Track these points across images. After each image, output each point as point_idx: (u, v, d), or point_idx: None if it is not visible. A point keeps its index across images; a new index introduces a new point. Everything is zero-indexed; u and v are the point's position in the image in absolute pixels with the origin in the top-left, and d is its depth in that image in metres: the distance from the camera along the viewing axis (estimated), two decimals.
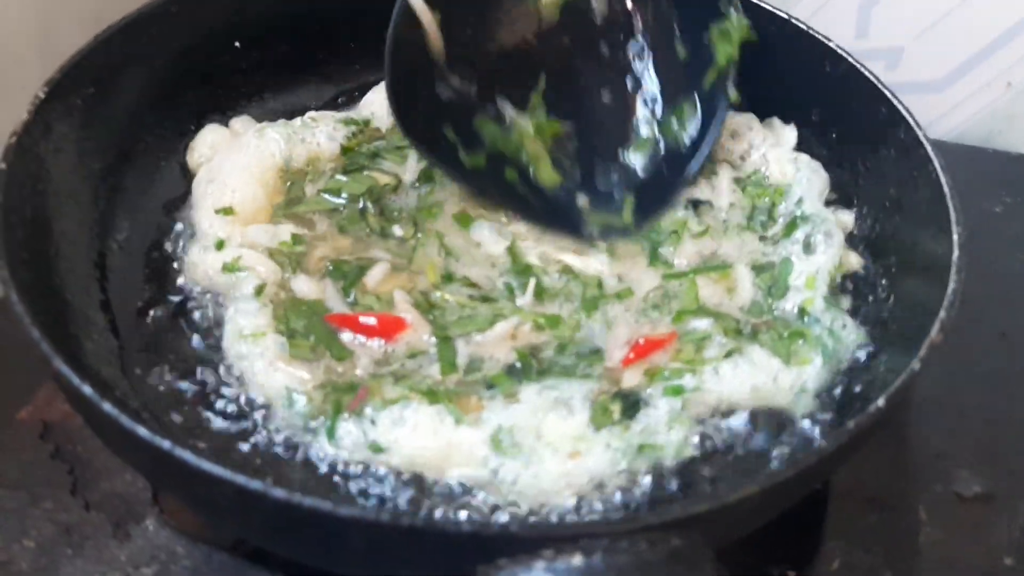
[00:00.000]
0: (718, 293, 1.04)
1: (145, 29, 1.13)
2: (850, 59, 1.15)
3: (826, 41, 1.17)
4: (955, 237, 0.93)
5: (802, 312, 1.02)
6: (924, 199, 1.02)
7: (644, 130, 1.14)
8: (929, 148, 1.02)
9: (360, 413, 0.88)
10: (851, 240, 1.11)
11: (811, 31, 1.19)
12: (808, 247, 1.06)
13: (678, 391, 0.92)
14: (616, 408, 0.90)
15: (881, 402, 0.80)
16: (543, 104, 1.12)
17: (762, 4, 1.22)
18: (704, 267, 1.06)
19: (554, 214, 1.09)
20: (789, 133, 1.19)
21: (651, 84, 1.16)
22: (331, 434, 0.88)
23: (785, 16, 1.21)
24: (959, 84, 1.50)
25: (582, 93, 1.16)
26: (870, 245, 1.11)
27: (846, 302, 1.06)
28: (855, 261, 1.08)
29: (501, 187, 1.09)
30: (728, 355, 0.95)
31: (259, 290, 0.98)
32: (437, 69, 1.08)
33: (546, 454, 0.86)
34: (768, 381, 0.94)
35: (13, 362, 0.99)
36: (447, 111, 1.08)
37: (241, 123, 1.19)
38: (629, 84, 1.17)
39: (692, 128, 1.13)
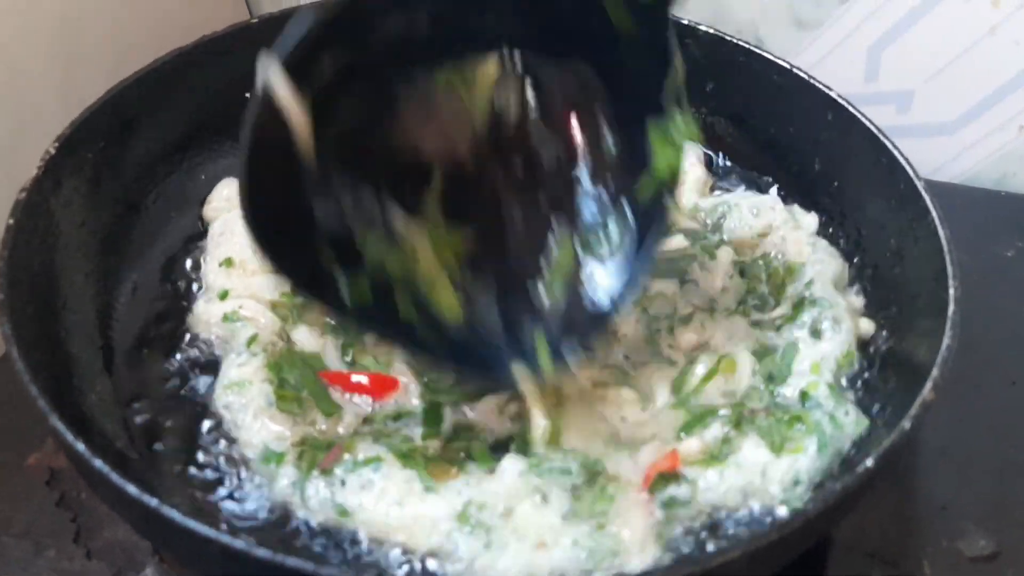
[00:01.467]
0: (716, 382, 1.01)
1: (157, 84, 1.16)
2: (850, 108, 1.14)
3: (827, 90, 1.17)
4: (951, 291, 0.92)
5: (803, 396, 0.98)
6: (923, 251, 1.01)
7: (562, 250, 0.96)
8: (928, 199, 1.02)
9: (330, 472, 0.89)
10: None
11: (812, 80, 1.19)
12: (816, 332, 1.03)
13: (673, 504, 0.90)
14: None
15: (870, 462, 0.79)
16: (439, 209, 0.93)
17: (764, 53, 1.23)
18: (709, 372, 1.01)
19: (463, 356, 0.92)
20: (810, 219, 1.18)
21: (572, 193, 0.97)
22: (301, 491, 0.89)
23: (787, 65, 1.21)
24: (970, 127, 1.49)
25: (490, 202, 0.96)
26: (871, 298, 1.10)
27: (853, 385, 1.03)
28: (866, 327, 1.06)
29: (395, 326, 0.91)
30: (729, 446, 0.93)
31: (251, 340, 0.99)
32: (308, 176, 0.86)
33: (511, 539, 0.85)
34: (756, 478, 0.91)
35: (25, 408, 1.01)
36: (322, 231, 0.88)
37: None
38: (546, 192, 0.98)
39: (623, 249, 0.95)
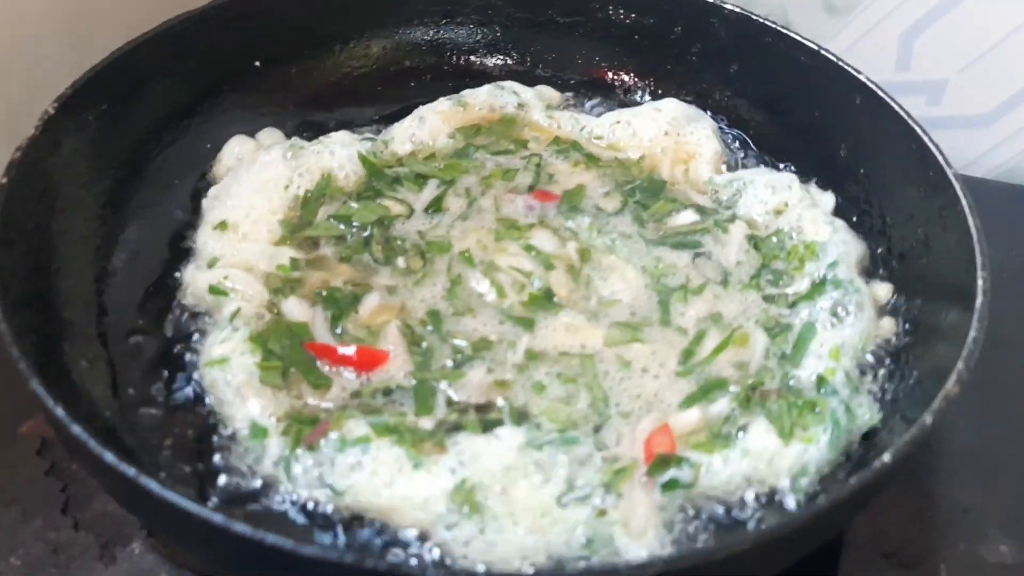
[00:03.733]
0: (726, 355, 0.98)
1: (164, 47, 1.14)
2: (880, 92, 1.10)
3: (856, 74, 1.13)
4: (979, 283, 0.88)
5: (820, 381, 0.95)
6: (952, 241, 0.97)
7: None
8: (958, 187, 0.98)
9: (316, 448, 0.86)
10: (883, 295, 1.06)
11: (841, 63, 1.15)
12: (837, 316, 1.00)
13: (675, 485, 0.87)
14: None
15: (887, 457, 0.75)
16: None
17: (792, 34, 1.19)
18: (721, 343, 0.99)
19: None
20: (827, 198, 1.14)
21: None
22: (287, 469, 0.86)
23: (815, 47, 1.17)
24: (1006, 120, 1.44)
25: None
26: (898, 288, 1.06)
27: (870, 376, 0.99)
28: (888, 327, 1.02)
29: None
30: (733, 425, 0.90)
31: (234, 315, 0.97)
32: None
33: (506, 523, 0.82)
34: (762, 466, 0.88)
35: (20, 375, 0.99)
36: None
37: (268, 135, 1.19)
38: None
39: None
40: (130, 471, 0.70)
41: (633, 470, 0.88)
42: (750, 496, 0.88)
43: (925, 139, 1.04)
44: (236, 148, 1.17)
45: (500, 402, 0.93)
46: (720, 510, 0.88)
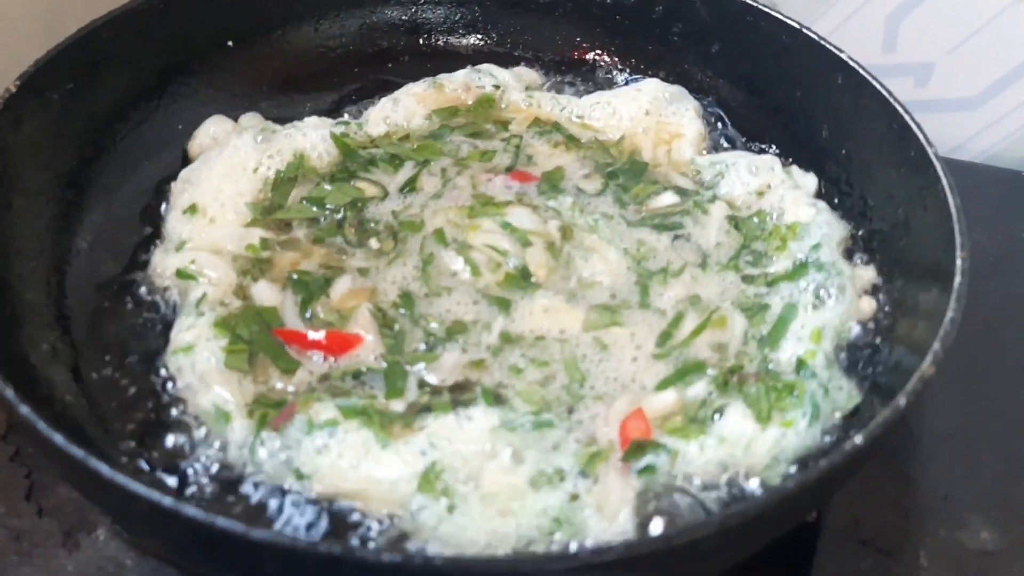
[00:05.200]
0: (704, 337, 0.97)
1: (132, 26, 1.12)
2: (862, 71, 1.08)
3: (838, 52, 1.11)
4: (958, 263, 0.86)
5: (800, 364, 0.93)
6: (932, 221, 0.95)
7: None
8: (939, 166, 0.96)
9: (282, 431, 0.84)
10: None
11: (823, 41, 1.13)
12: (818, 297, 0.99)
13: (651, 471, 0.85)
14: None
15: (859, 439, 0.73)
16: None
17: (773, 13, 1.18)
18: (699, 326, 0.97)
19: None
20: (810, 179, 1.13)
21: None
22: (252, 452, 0.84)
23: (796, 26, 1.15)
24: (994, 103, 1.42)
25: None
26: (878, 269, 1.04)
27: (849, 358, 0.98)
28: (868, 308, 1.01)
29: None
30: (708, 409, 0.89)
31: (200, 300, 0.95)
32: None
33: (476, 506, 0.81)
34: (739, 452, 0.86)
35: None
36: None
37: (248, 119, 1.17)
38: None
39: None
40: (79, 453, 0.68)
41: (609, 453, 0.86)
42: (724, 481, 0.86)
43: (907, 118, 1.02)
44: (212, 128, 1.15)
45: (475, 381, 0.91)
46: (694, 495, 0.86)
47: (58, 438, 0.69)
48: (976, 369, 1.08)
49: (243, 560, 0.68)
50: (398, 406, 0.88)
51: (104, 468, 0.68)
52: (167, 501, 0.65)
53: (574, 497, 0.82)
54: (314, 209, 1.07)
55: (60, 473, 0.82)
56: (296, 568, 0.67)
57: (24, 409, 0.71)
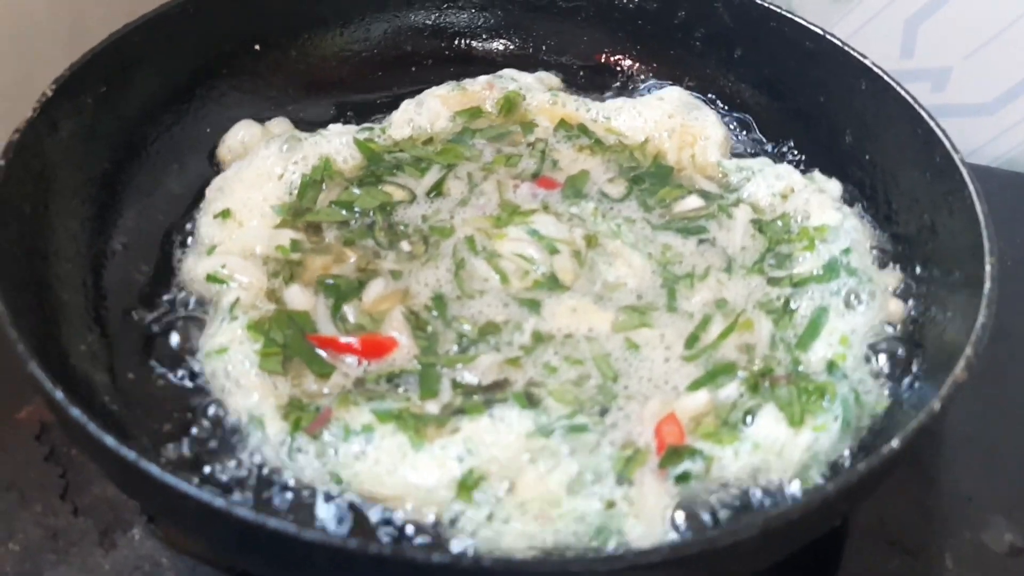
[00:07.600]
0: (732, 339, 0.97)
1: (163, 30, 1.12)
2: (885, 77, 1.09)
3: (861, 58, 1.12)
4: (987, 268, 0.87)
5: (830, 366, 0.94)
6: (958, 226, 0.96)
7: None
8: (965, 172, 0.97)
9: (319, 437, 0.85)
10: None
11: (846, 47, 1.13)
12: (848, 304, 0.99)
13: (687, 477, 0.86)
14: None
15: (896, 443, 0.74)
16: None
17: (796, 18, 1.18)
18: (726, 329, 0.98)
19: None
20: (833, 185, 1.13)
21: None
22: (290, 456, 0.85)
23: (819, 31, 1.16)
24: (1011, 107, 1.43)
25: None
26: (904, 274, 1.05)
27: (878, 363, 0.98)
28: (896, 313, 1.01)
29: None
30: (740, 412, 0.90)
31: (233, 305, 0.95)
32: None
33: (514, 512, 0.81)
34: (772, 458, 0.87)
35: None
36: None
37: (277, 124, 1.18)
38: None
39: None
40: (131, 455, 0.69)
41: (645, 456, 0.87)
42: (760, 485, 0.87)
43: (931, 124, 1.03)
44: (241, 133, 1.15)
45: (510, 380, 0.92)
46: (729, 499, 0.87)
47: (109, 440, 0.70)
48: (997, 372, 1.09)
49: (290, 560, 0.69)
50: (432, 407, 0.89)
51: (154, 469, 0.69)
52: (219, 502, 0.66)
53: (611, 504, 0.83)
54: (343, 212, 1.08)
55: (107, 474, 0.83)
56: (344, 568, 0.68)
57: (75, 412, 0.72)
